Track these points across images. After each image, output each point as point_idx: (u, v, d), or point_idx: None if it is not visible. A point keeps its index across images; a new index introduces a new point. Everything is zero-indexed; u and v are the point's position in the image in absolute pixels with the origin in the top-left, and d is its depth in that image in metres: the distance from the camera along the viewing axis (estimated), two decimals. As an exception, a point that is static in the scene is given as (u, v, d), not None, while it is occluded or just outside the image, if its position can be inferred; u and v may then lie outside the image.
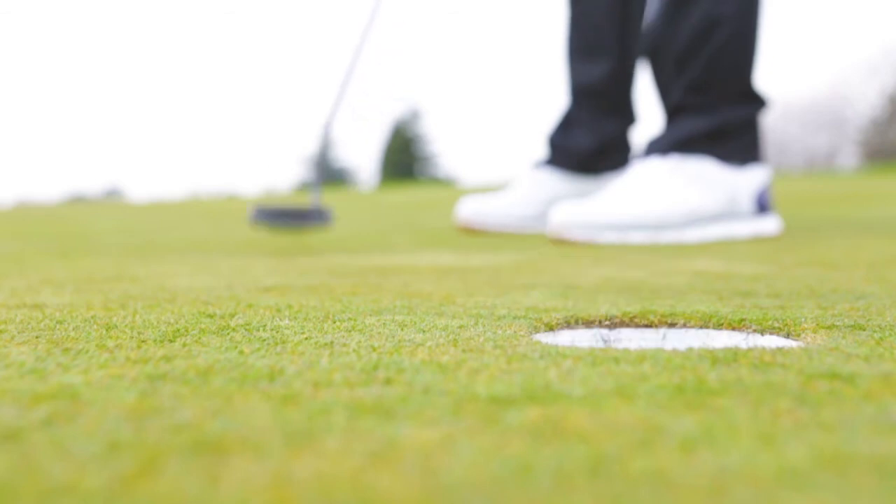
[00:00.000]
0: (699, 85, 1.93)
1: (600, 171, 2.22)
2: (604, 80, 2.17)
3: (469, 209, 2.22)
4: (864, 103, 23.84)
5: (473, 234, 2.15)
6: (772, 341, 0.61)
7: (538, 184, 2.22)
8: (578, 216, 1.78)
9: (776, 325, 0.63)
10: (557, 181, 2.21)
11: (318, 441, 0.34)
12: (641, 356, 0.49)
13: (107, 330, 0.60)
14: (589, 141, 2.19)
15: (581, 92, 2.20)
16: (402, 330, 0.60)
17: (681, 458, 0.31)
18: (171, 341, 0.56)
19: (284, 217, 1.60)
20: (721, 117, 1.92)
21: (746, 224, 1.89)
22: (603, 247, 1.62)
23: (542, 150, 2.28)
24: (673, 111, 1.96)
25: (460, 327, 0.61)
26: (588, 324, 0.67)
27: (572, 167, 2.21)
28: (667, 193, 1.83)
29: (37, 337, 0.57)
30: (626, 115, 2.22)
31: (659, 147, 1.91)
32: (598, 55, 2.15)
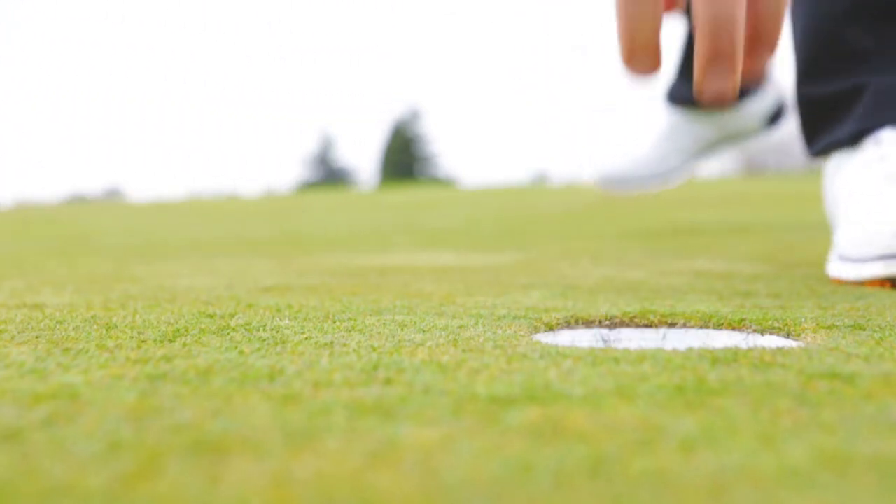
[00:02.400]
0: None
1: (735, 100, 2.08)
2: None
3: (610, 169, 2.05)
4: (864, 103, 23.73)
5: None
6: (772, 341, 0.61)
7: (680, 130, 2.05)
8: None
9: (776, 325, 0.63)
10: (697, 123, 2.05)
11: (318, 441, 0.33)
12: (641, 356, 0.49)
13: (107, 330, 0.60)
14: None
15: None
16: (402, 330, 0.60)
17: (681, 458, 0.31)
18: (171, 341, 0.56)
19: None
20: None
21: None
22: (603, 246, 1.62)
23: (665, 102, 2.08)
24: None
25: (460, 327, 0.61)
26: (588, 324, 0.67)
27: (707, 106, 2.01)
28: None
29: (37, 337, 0.57)
30: None
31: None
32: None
